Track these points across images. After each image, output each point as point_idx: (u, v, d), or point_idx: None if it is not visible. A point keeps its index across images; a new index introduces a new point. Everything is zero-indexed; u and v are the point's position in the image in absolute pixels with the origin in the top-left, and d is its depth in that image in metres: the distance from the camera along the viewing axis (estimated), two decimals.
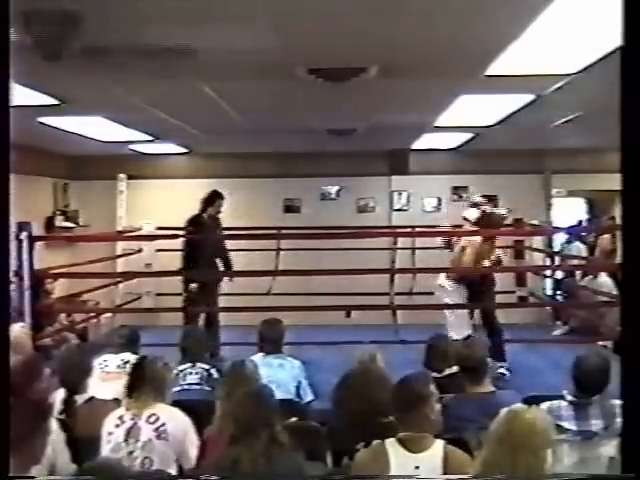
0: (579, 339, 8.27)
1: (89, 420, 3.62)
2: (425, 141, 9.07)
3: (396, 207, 10.46)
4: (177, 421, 3.52)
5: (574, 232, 9.99)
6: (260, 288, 8.13)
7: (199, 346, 5.00)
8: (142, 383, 3.57)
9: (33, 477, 2.46)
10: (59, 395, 4.00)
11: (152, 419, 3.46)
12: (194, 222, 7.63)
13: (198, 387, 4.67)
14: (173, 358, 4.92)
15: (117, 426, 3.45)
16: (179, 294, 7.59)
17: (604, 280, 8.45)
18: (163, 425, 3.45)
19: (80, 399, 3.93)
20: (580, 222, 11.58)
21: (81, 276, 8.79)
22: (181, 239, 7.63)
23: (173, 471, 3.41)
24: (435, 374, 4.39)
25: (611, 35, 3.41)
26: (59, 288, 8.32)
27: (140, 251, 9.59)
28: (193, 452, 3.50)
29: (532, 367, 6.64)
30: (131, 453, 3.37)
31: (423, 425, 3.05)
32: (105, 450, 3.40)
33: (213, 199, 7.68)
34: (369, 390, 3.49)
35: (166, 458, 3.42)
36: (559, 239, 10.34)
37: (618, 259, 8.51)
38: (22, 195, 7.75)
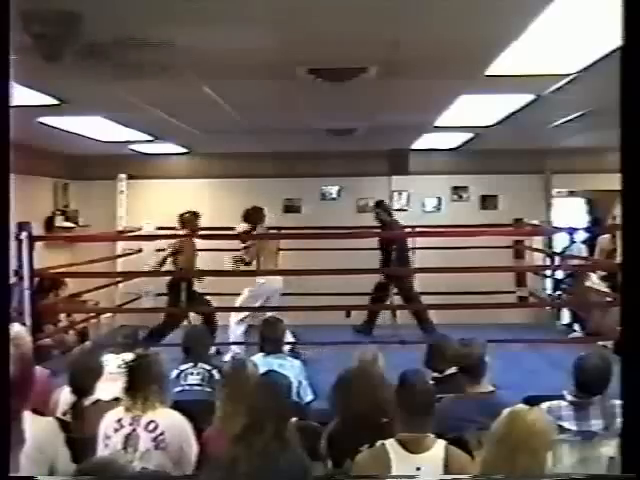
0: (579, 340, 8.27)
1: (95, 422, 3.56)
2: (425, 141, 9.07)
3: (396, 207, 10.45)
4: (176, 429, 3.38)
5: (575, 233, 9.96)
6: None
7: (202, 346, 4.99)
8: (147, 382, 3.38)
9: (33, 477, 2.45)
10: (63, 395, 3.99)
11: (151, 427, 3.32)
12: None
13: (199, 388, 4.65)
14: (172, 358, 4.92)
15: (116, 430, 3.32)
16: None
17: (593, 282, 8.43)
18: (162, 434, 3.31)
19: (87, 401, 3.90)
20: (595, 221, 11.49)
21: (81, 276, 8.79)
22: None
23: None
24: (436, 374, 4.39)
25: (611, 35, 3.41)
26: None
27: (140, 251, 9.58)
28: (191, 459, 3.40)
29: (532, 367, 6.63)
30: (129, 462, 3.24)
31: (426, 425, 3.04)
32: (103, 454, 3.29)
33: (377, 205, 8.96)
34: (371, 390, 3.47)
35: (163, 467, 3.30)
36: (561, 241, 10.31)
37: (618, 259, 8.50)
38: (22, 195, 7.75)
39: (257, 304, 7.31)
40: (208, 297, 7.93)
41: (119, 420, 3.36)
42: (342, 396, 3.60)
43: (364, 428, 3.27)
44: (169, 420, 3.39)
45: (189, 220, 7.96)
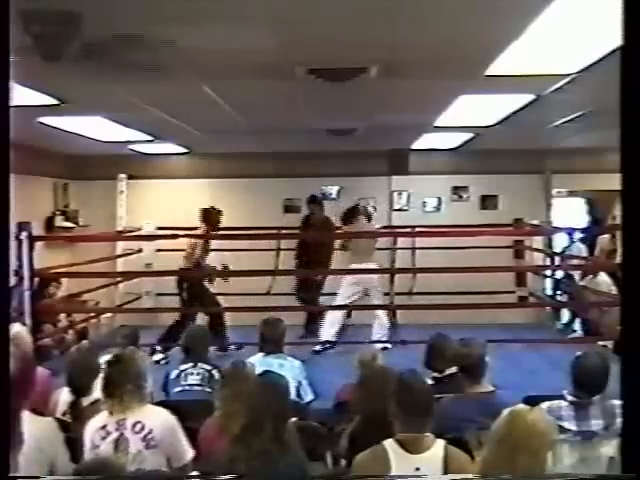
0: (579, 340, 8.27)
1: None
2: (425, 141, 9.07)
3: (396, 207, 10.45)
4: (163, 425, 3.33)
5: (575, 233, 9.96)
6: (260, 288, 8.13)
7: (202, 346, 4.99)
8: (124, 382, 3.33)
9: (33, 477, 2.45)
10: (63, 395, 3.99)
11: (137, 427, 3.27)
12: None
13: (199, 388, 4.65)
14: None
15: (103, 438, 3.25)
16: (178, 294, 7.63)
17: (603, 279, 8.43)
18: (150, 433, 3.26)
19: (86, 401, 3.90)
20: (595, 221, 11.47)
21: (81, 276, 8.80)
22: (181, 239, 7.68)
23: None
24: (436, 374, 4.39)
25: (611, 35, 3.41)
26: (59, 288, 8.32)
27: (140, 251, 9.59)
28: (182, 449, 3.37)
29: (532, 367, 6.64)
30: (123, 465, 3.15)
31: (425, 425, 3.04)
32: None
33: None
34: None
35: (158, 464, 3.26)
36: (561, 241, 10.31)
37: (618, 259, 8.50)
38: (22, 195, 7.75)
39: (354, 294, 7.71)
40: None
41: (104, 427, 3.29)
42: (364, 395, 3.58)
43: (387, 427, 3.24)
44: (155, 418, 3.35)
45: (206, 216, 7.86)
